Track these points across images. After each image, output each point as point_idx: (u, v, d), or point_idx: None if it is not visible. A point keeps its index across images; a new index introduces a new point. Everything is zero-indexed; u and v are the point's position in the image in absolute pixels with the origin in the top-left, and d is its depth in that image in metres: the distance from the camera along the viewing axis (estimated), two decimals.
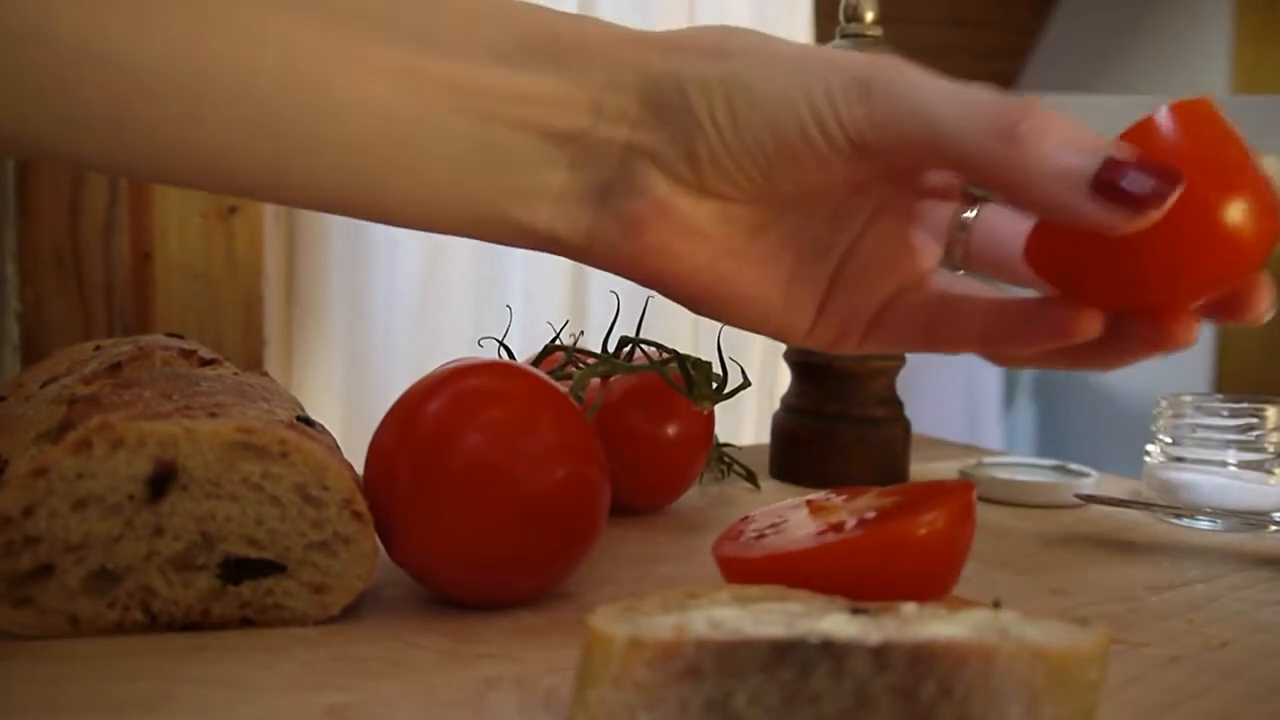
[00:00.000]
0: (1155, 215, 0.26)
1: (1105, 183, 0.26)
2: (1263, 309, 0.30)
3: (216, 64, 0.29)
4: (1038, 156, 0.27)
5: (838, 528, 0.32)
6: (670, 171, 0.31)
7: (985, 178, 0.29)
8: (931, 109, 0.28)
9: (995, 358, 0.34)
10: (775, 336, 0.35)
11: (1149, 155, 0.27)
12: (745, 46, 0.31)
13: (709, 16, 1.21)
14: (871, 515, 0.32)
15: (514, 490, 0.34)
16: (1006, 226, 0.33)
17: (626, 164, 0.32)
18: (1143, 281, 0.29)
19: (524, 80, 0.31)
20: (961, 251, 0.34)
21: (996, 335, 0.32)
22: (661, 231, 0.32)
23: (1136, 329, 0.30)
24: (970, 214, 0.34)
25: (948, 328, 0.33)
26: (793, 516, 0.35)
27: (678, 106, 0.30)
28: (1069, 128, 0.28)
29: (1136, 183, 0.26)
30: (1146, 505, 0.52)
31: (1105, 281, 0.29)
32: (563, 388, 0.37)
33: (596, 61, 0.31)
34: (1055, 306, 0.30)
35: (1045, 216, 0.29)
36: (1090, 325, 0.30)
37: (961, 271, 0.35)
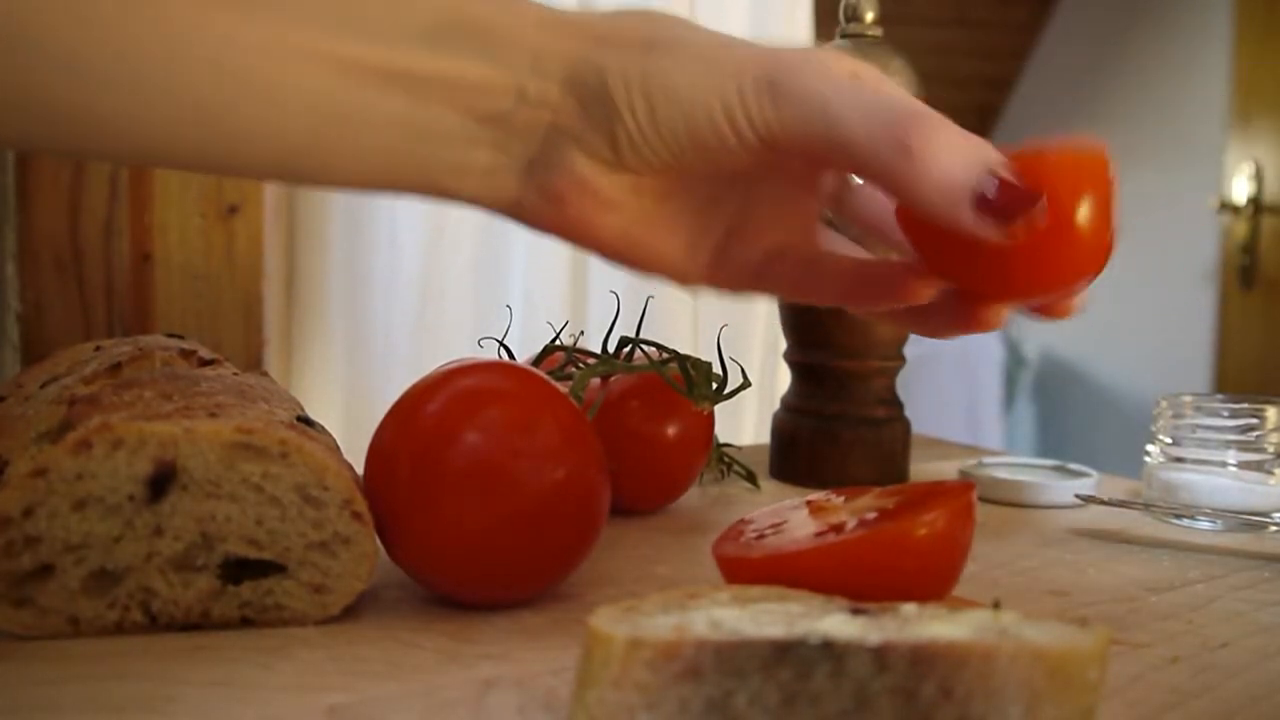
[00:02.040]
0: (1020, 234, 0.29)
1: (983, 198, 0.29)
2: (1069, 314, 0.34)
3: (150, 58, 0.30)
4: (925, 170, 0.29)
5: (838, 528, 0.32)
6: (590, 152, 0.33)
7: (880, 184, 0.31)
8: (835, 114, 0.30)
9: (856, 311, 0.39)
10: (675, 283, 0.38)
11: (1020, 175, 0.30)
12: (668, 39, 0.32)
13: (708, 15, 1.21)
14: (871, 516, 0.32)
15: (514, 490, 0.34)
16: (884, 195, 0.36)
17: (549, 143, 0.33)
18: (985, 274, 0.33)
19: (449, 63, 0.32)
20: (845, 213, 0.38)
21: (855, 292, 0.36)
22: (581, 204, 0.34)
23: (961, 307, 0.34)
24: (857, 180, 0.37)
25: (817, 282, 0.36)
26: (793, 517, 0.35)
27: (599, 96, 0.32)
28: (956, 140, 0.29)
29: (1008, 202, 0.29)
30: (1146, 505, 0.52)
31: (954, 262, 0.33)
32: (563, 388, 0.37)
33: (521, 46, 0.32)
34: (900, 272, 0.34)
35: (933, 222, 0.30)
36: (923, 292, 0.34)
37: (842, 231, 0.39)
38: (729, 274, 0.37)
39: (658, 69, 0.32)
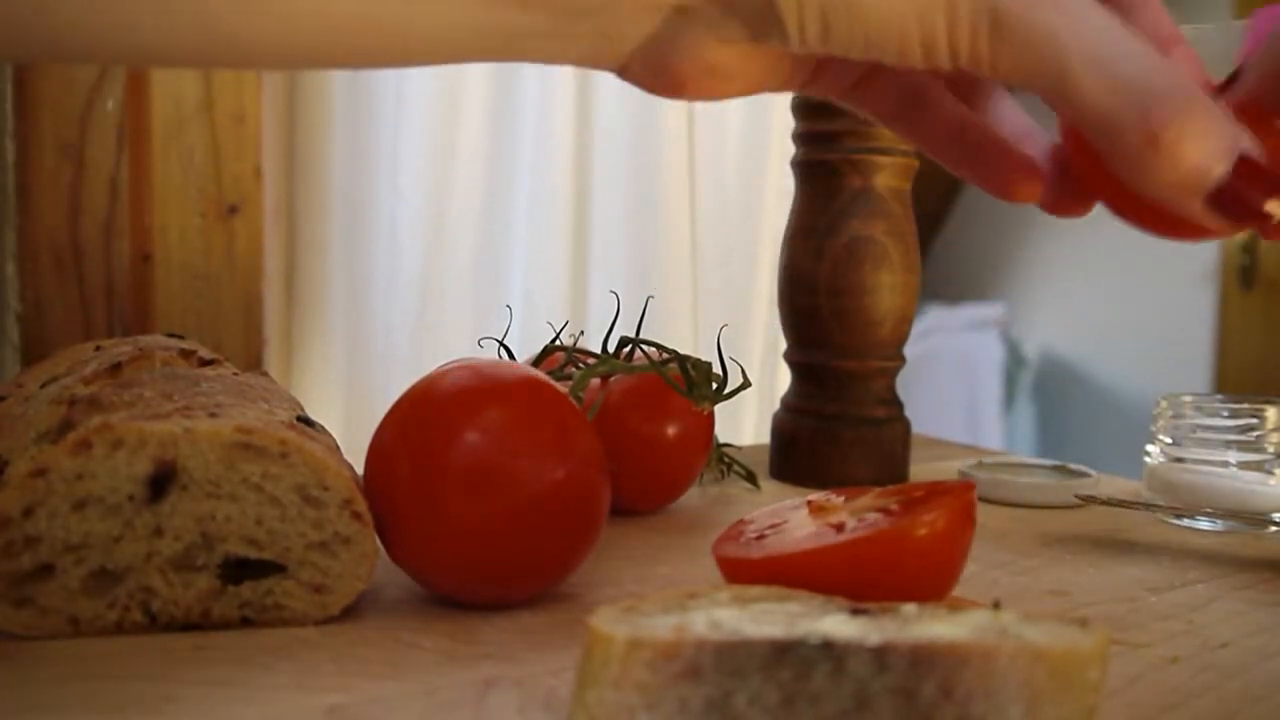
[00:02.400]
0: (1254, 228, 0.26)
1: (1221, 196, 0.26)
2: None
3: None
4: (1170, 165, 0.26)
5: (838, 528, 0.32)
6: (725, 39, 0.29)
7: (1103, 149, 0.27)
8: (1074, 73, 0.26)
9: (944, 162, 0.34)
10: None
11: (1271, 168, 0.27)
12: None
13: None
14: (871, 516, 0.32)
15: (514, 490, 0.34)
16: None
17: (670, 25, 0.30)
18: (1152, 218, 0.30)
19: None
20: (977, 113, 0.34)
21: (962, 160, 0.33)
22: (699, 82, 0.31)
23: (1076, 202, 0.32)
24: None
25: (921, 126, 0.34)
26: (793, 517, 0.35)
27: (759, 6, 0.28)
28: (1209, 129, 0.26)
29: (1249, 202, 0.26)
30: (1146, 505, 0.52)
31: (1119, 198, 0.31)
32: (563, 388, 0.37)
33: None
34: (1030, 170, 0.32)
35: (1151, 200, 0.27)
36: (1059, 204, 0.31)
37: None
38: (825, 84, 0.34)
39: None
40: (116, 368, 0.40)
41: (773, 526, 0.35)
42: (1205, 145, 0.26)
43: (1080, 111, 0.26)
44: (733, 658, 0.20)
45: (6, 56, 0.35)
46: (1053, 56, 0.26)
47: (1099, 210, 0.33)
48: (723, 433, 0.58)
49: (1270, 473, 0.51)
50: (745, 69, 0.31)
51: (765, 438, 0.64)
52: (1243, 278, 2.31)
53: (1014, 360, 2.78)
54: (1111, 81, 0.26)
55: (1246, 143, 0.26)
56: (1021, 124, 0.35)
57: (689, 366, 0.47)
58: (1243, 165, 0.26)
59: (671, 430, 0.50)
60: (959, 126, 0.33)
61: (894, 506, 0.33)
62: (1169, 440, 0.54)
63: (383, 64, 0.32)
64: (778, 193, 1.21)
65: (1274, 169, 0.26)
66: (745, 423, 1.21)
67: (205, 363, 0.43)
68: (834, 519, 0.33)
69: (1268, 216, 0.26)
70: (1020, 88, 0.28)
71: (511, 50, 0.31)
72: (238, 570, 0.33)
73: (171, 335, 0.46)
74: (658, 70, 0.31)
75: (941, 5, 0.26)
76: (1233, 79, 0.30)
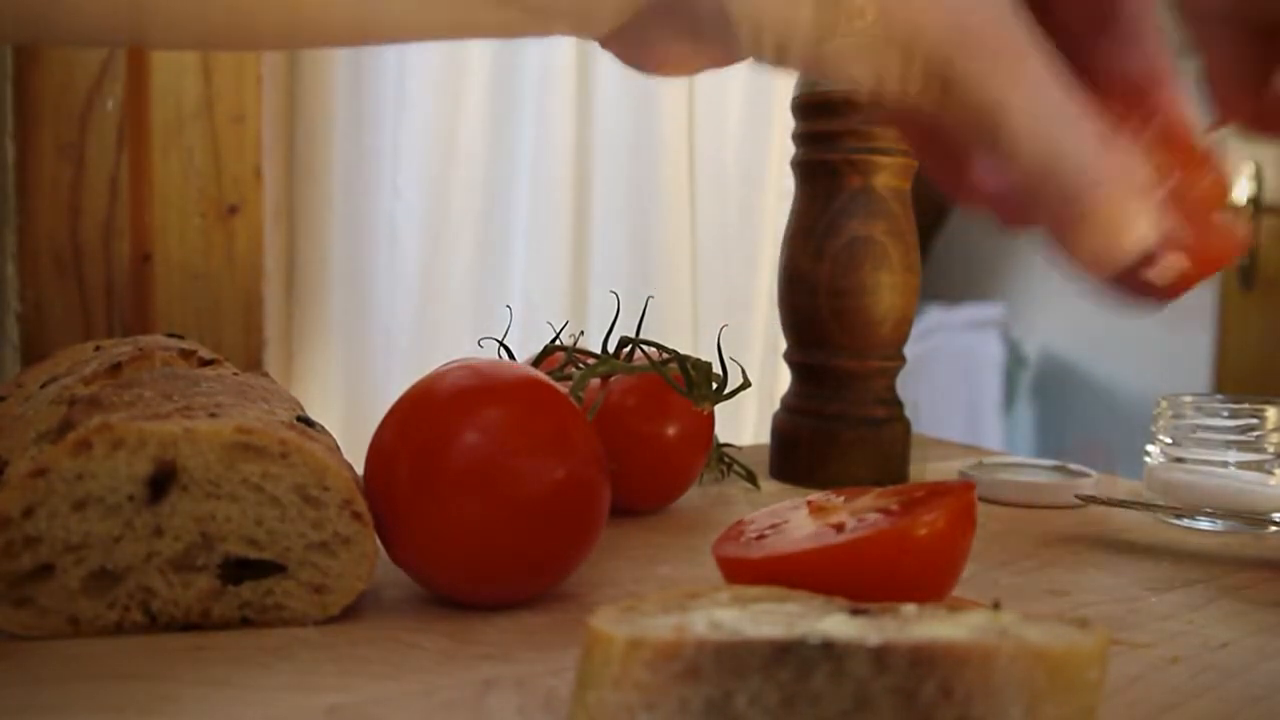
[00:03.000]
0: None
1: (1129, 278, 0.28)
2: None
3: None
4: (1090, 240, 0.27)
5: (838, 528, 0.32)
6: (693, 37, 0.30)
7: (1035, 215, 0.28)
8: (1017, 145, 0.27)
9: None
10: None
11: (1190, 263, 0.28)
12: None
13: None
14: (872, 516, 0.32)
15: (514, 490, 0.34)
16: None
17: (644, 18, 0.30)
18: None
19: None
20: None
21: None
22: (671, 65, 0.32)
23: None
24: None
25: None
26: (793, 517, 0.35)
27: (717, 21, 0.28)
28: (1136, 213, 0.27)
29: (1154, 287, 0.28)
30: (1146, 505, 0.52)
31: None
32: (563, 388, 0.37)
33: None
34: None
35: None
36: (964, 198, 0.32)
37: None
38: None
39: (797, 24, 0.27)
40: (116, 368, 0.40)
41: (773, 527, 0.35)
42: (1124, 230, 0.27)
43: (1016, 173, 0.27)
44: (733, 658, 0.20)
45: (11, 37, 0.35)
46: (996, 124, 0.27)
47: None
48: (723, 433, 0.58)
49: (1270, 473, 0.51)
50: (715, 58, 0.32)
51: (765, 438, 0.64)
52: (1243, 278, 2.31)
53: (1014, 360, 2.78)
54: (1052, 157, 0.26)
55: (1162, 237, 0.28)
56: None
57: (689, 367, 0.47)
58: (1144, 265, 0.28)
59: (671, 430, 0.50)
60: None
61: (894, 507, 0.33)
62: (1169, 440, 0.54)
63: (345, 45, 0.33)
64: (778, 193, 1.21)
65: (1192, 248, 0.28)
66: (745, 423, 1.21)
67: (205, 363, 0.43)
68: (834, 519, 0.33)
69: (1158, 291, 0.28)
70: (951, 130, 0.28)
71: (483, 35, 0.32)
72: (238, 570, 0.33)
73: (171, 335, 0.46)
74: (631, 52, 0.32)
75: (898, 55, 0.27)
76: None
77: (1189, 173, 0.30)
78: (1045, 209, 0.27)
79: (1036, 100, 0.27)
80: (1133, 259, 0.27)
